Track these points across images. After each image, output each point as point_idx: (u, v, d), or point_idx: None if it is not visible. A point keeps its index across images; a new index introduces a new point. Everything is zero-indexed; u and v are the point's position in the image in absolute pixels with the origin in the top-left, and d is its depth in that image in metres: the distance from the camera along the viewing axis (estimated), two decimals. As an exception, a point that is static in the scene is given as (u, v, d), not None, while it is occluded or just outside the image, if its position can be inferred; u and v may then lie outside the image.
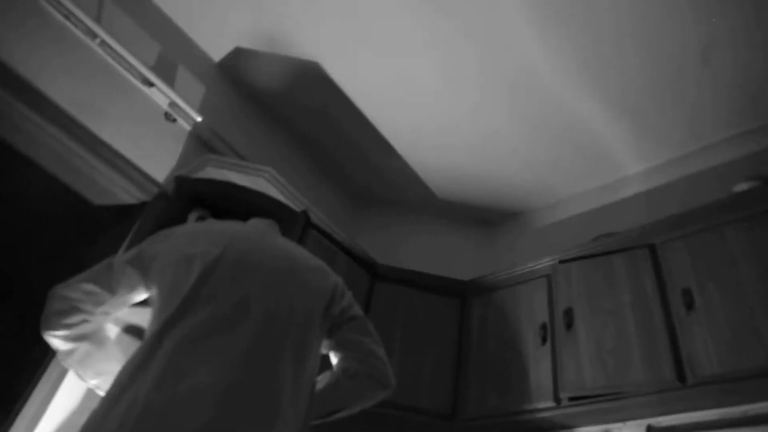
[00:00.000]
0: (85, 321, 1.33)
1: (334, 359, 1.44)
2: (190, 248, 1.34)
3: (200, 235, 1.40)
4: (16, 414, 1.67)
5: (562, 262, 2.40)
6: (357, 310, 1.49)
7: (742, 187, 2.22)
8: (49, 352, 1.77)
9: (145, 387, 1.04)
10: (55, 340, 1.33)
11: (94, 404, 1.11)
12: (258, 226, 1.61)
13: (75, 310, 1.31)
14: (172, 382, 1.05)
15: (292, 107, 3.02)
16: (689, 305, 1.91)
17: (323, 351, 1.42)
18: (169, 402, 1.02)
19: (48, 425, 1.69)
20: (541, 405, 2.11)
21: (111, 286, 1.34)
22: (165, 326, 1.15)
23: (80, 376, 1.43)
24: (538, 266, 2.49)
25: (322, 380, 1.37)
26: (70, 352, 1.35)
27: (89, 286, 1.33)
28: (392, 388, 1.44)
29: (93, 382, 1.41)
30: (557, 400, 2.07)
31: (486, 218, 3.52)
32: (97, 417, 1.04)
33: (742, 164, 2.49)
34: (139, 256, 1.38)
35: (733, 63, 2.35)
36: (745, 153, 2.54)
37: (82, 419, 1.10)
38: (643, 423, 2.02)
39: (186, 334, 1.14)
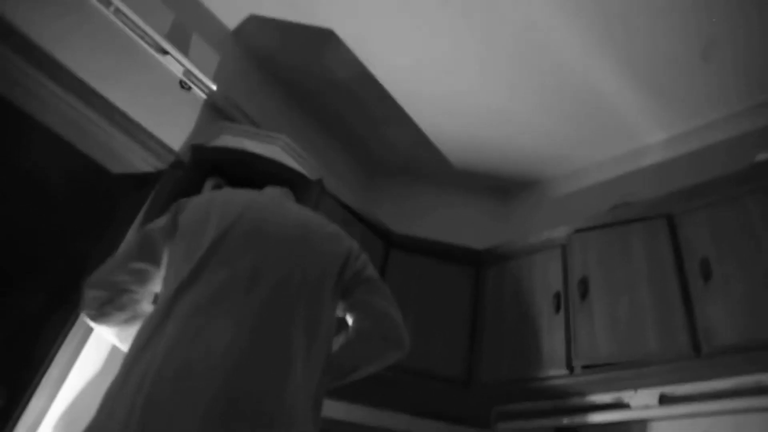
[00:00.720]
0: (135, 301, 1.35)
1: (349, 321, 1.45)
2: (204, 216, 1.35)
3: (215, 203, 1.41)
4: (42, 375, 1.72)
5: (577, 231, 2.38)
6: (371, 272, 1.49)
7: (763, 156, 2.17)
8: (71, 316, 1.82)
9: (161, 348, 1.07)
10: (109, 327, 1.35)
11: (117, 365, 1.15)
12: (273, 193, 1.61)
13: (124, 293, 1.33)
14: (186, 343, 1.07)
15: (307, 75, 2.99)
16: (707, 275, 1.90)
17: (339, 314, 1.43)
18: (184, 363, 1.04)
19: (72, 385, 1.75)
20: (554, 372, 2.13)
21: (155, 260, 1.34)
22: (178, 290, 1.17)
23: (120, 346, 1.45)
24: (554, 235, 2.48)
25: (336, 342, 1.37)
26: (122, 332, 1.37)
27: (137, 264, 1.34)
28: (406, 349, 1.43)
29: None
30: (570, 368, 2.09)
31: (502, 188, 3.50)
32: (119, 378, 1.08)
33: (764, 134, 2.43)
34: (168, 227, 1.38)
35: (758, 29, 2.28)
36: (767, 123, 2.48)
37: (105, 379, 1.14)
38: (656, 391, 2.03)
39: (198, 298, 1.15)
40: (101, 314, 1.33)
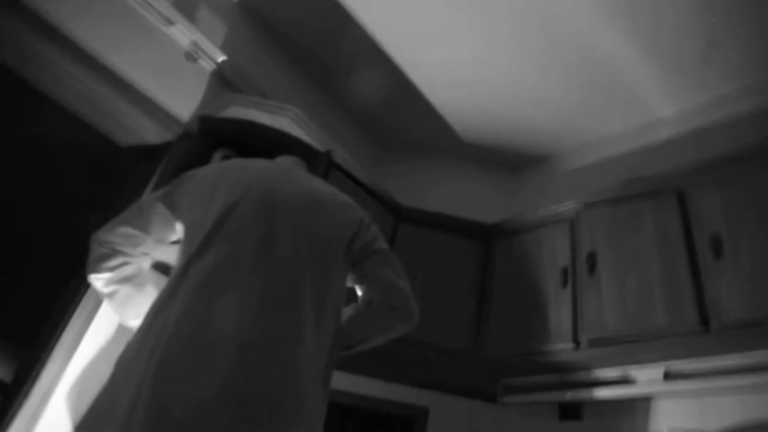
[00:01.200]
0: (125, 263, 1.37)
1: (359, 292, 1.45)
2: (213, 186, 1.35)
3: (224, 173, 1.41)
4: (55, 342, 1.74)
5: (586, 206, 2.37)
6: (381, 243, 1.49)
7: (776, 131, 2.14)
8: (83, 285, 1.84)
9: (174, 314, 1.08)
10: (99, 282, 1.38)
11: (127, 332, 1.16)
12: (284, 163, 1.60)
13: (115, 253, 1.35)
14: (198, 312, 1.08)
15: (316, 47, 2.96)
16: (717, 251, 1.88)
17: (348, 284, 1.43)
18: (196, 329, 1.06)
19: (85, 354, 1.78)
20: (561, 346, 2.14)
21: (145, 227, 1.37)
22: (190, 260, 1.18)
23: (122, 318, 1.48)
24: (562, 210, 2.47)
25: (345, 313, 1.37)
26: (112, 294, 1.40)
27: (125, 229, 1.36)
28: (415, 321, 1.43)
29: (133, 323, 1.44)
30: (576, 342, 2.10)
31: (511, 162, 3.48)
32: (135, 341, 1.10)
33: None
34: (167, 195, 1.40)
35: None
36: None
37: (117, 348, 1.15)
38: (662, 366, 2.04)
39: (209, 268, 1.16)
40: (90, 266, 1.36)
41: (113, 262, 1.35)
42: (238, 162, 1.54)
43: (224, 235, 1.23)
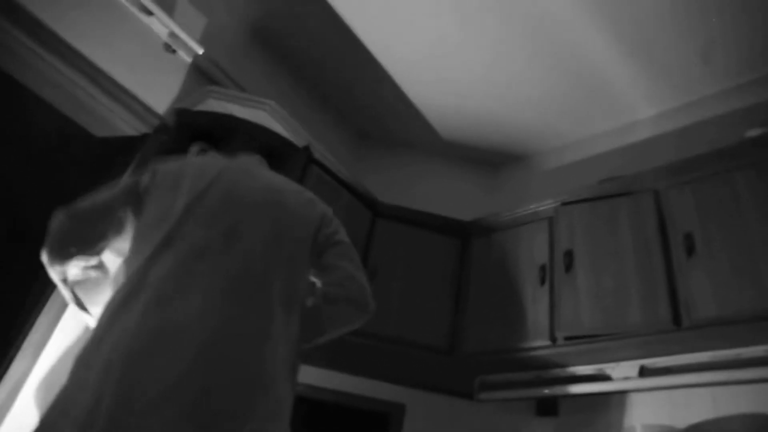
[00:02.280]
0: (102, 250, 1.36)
1: (317, 283, 1.44)
2: (174, 183, 1.34)
3: (187, 170, 1.40)
4: (22, 340, 1.71)
5: (564, 204, 2.39)
6: (342, 236, 1.50)
7: (754, 132, 2.17)
8: (51, 283, 1.80)
9: (138, 309, 1.06)
10: (73, 268, 1.35)
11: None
12: (246, 161, 1.60)
13: (101, 238, 1.34)
14: (162, 306, 1.07)
15: (295, 41, 2.94)
16: (690, 250, 1.91)
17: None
18: (160, 323, 1.04)
19: (53, 349, 1.74)
20: (537, 343, 2.15)
21: (118, 226, 1.35)
22: (151, 257, 1.16)
23: (82, 306, 1.45)
24: (541, 208, 2.48)
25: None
26: (81, 282, 1.38)
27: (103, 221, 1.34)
28: (371, 313, 1.44)
29: (95, 311, 1.42)
30: (553, 339, 2.11)
31: (491, 160, 3.49)
32: (96, 337, 1.07)
33: (757, 110, 2.43)
34: (133, 189, 1.38)
35: (747, 6, 2.25)
36: (761, 99, 2.47)
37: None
38: (637, 363, 2.06)
39: (172, 263, 1.15)
40: (64, 248, 1.34)
41: (96, 248, 1.33)
42: (200, 159, 1.53)
43: (188, 231, 1.22)
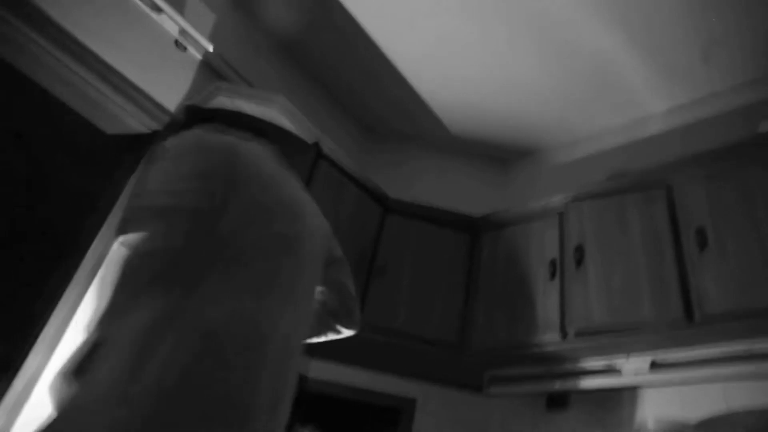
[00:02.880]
0: None
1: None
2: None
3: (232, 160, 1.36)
4: (39, 332, 1.73)
5: (575, 199, 2.38)
6: (340, 250, 1.50)
7: (766, 126, 2.15)
8: (67, 276, 1.83)
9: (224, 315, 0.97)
10: None
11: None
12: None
13: None
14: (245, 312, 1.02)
15: (304, 37, 2.94)
16: (702, 244, 1.90)
17: None
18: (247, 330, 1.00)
19: (69, 342, 1.76)
20: (547, 338, 2.15)
21: None
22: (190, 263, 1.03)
23: None
24: (551, 203, 2.48)
25: None
26: None
27: None
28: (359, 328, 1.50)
29: None
30: (564, 334, 2.11)
31: (501, 156, 3.48)
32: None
33: (766, 105, 2.41)
34: None
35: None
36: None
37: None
38: (648, 358, 2.06)
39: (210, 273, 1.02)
40: None
41: None
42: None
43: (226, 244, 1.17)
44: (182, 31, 2.35)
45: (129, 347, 0.86)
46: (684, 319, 1.82)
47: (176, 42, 2.37)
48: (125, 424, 0.78)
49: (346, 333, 1.48)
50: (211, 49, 2.43)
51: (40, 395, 1.67)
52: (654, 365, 2.04)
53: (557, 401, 2.34)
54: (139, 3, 2.24)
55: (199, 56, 2.44)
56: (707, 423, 1.79)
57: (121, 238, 0.99)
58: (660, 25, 2.43)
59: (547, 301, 2.22)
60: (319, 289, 1.43)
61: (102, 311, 0.92)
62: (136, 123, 2.17)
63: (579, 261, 2.20)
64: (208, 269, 0.98)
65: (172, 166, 1.09)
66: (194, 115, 2.14)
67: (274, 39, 2.96)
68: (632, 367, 2.08)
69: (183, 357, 0.86)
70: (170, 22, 2.33)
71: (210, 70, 2.49)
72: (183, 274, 0.96)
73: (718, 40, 2.44)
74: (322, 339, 1.47)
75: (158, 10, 2.27)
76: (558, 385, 2.26)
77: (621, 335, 1.97)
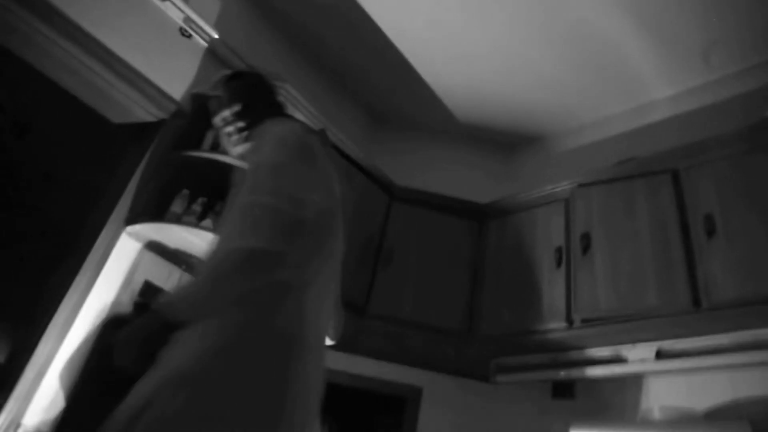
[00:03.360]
0: None
1: None
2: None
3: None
4: (48, 323, 1.74)
5: (581, 186, 2.37)
6: None
7: (774, 111, 2.13)
8: (76, 266, 1.84)
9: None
10: None
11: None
12: None
13: None
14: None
15: (311, 25, 2.92)
16: (710, 231, 1.89)
17: None
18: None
19: (78, 331, 1.78)
20: (554, 326, 2.15)
21: None
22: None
23: None
24: (557, 190, 2.46)
25: None
26: None
27: None
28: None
29: None
30: (570, 321, 2.11)
31: (507, 142, 3.46)
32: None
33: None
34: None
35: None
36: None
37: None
38: (654, 345, 2.05)
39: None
40: None
41: None
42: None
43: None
44: (187, 19, 2.34)
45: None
46: (691, 307, 1.81)
47: (181, 30, 2.36)
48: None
49: (329, 342, 1.47)
50: (216, 36, 2.42)
51: (51, 382, 1.69)
52: (660, 354, 2.04)
53: (563, 389, 2.34)
54: (144, -9, 2.23)
55: (204, 44, 2.43)
56: (714, 411, 1.78)
57: None
58: (667, 10, 2.39)
59: (553, 288, 2.22)
60: None
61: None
62: (143, 112, 2.17)
63: (585, 248, 2.20)
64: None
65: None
66: (201, 104, 2.12)
67: (280, 28, 2.94)
68: (638, 355, 2.08)
69: None
70: (175, 10, 2.32)
71: (216, 58, 2.48)
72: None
73: (726, 26, 2.41)
74: None
75: (163, -3, 2.26)
76: (564, 374, 2.27)
77: (627, 322, 1.97)
